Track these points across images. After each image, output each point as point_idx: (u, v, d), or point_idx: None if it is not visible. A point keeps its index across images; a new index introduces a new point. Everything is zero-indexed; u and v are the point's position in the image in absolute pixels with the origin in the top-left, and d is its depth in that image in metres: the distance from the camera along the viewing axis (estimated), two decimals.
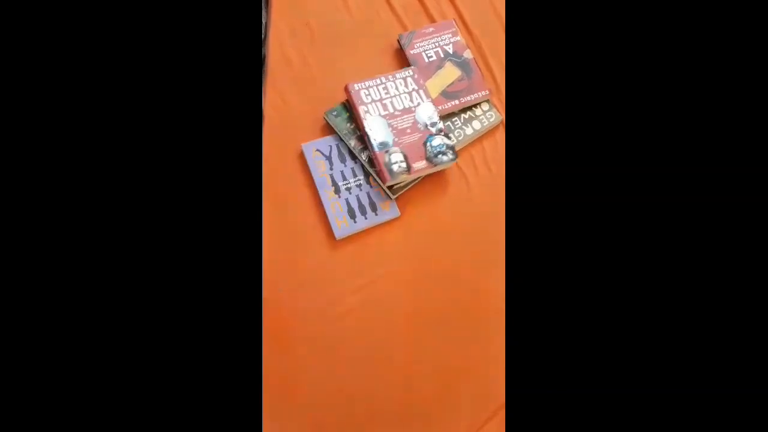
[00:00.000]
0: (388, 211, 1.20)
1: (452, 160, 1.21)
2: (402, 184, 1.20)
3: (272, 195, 1.17)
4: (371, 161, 1.21)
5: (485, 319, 1.13)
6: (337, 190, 1.20)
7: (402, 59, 1.35)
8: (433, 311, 1.14)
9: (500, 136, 1.31)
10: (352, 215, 1.18)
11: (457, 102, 1.30)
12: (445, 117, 1.28)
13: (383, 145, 1.19)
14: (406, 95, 1.25)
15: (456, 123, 1.29)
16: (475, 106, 1.31)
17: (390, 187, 1.19)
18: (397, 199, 1.20)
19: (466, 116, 1.30)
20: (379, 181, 1.20)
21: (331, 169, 1.22)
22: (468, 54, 1.35)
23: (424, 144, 1.21)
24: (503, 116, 1.31)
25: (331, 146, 1.24)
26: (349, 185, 1.21)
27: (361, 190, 1.21)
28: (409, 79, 1.27)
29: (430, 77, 1.31)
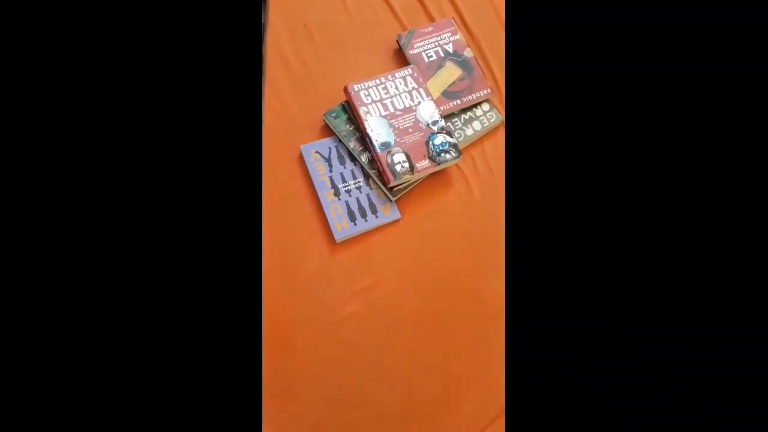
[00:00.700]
0: (389, 213, 1.17)
1: (455, 158, 1.18)
2: (402, 186, 1.17)
3: (271, 197, 1.15)
4: (371, 162, 1.18)
5: (486, 323, 1.11)
6: (337, 193, 1.17)
7: (401, 59, 1.33)
8: (434, 314, 1.12)
9: (501, 137, 1.29)
10: (352, 218, 1.16)
11: (458, 102, 1.27)
12: (446, 117, 1.26)
13: (385, 145, 1.17)
14: (407, 94, 1.23)
15: (456, 124, 1.27)
16: (475, 106, 1.29)
17: (390, 189, 1.16)
18: (397, 201, 1.18)
19: (467, 117, 1.28)
20: (379, 183, 1.17)
21: (331, 171, 1.19)
22: (468, 53, 1.33)
23: (427, 143, 1.18)
24: (504, 117, 1.29)
25: (330, 148, 1.21)
26: (348, 187, 1.18)
27: (361, 192, 1.18)
28: (409, 78, 1.24)
29: (431, 77, 1.29)
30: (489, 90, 1.29)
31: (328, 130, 1.23)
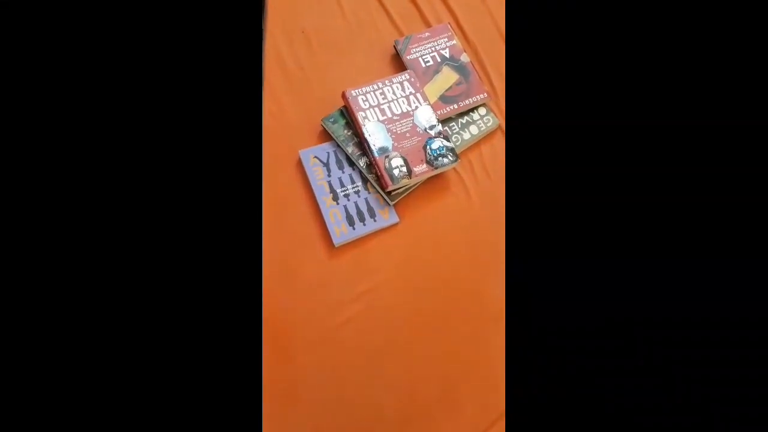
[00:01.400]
0: (387, 217, 1.18)
1: (453, 162, 1.19)
2: (401, 190, 1.18)
3: (270, 202, 1.15)
4: (369, 167, 1.18)
5: (485, 325, 1.11)
6: (336, 197, 1.18)
7: (398, 64, 1.34)
8: (433, 317, 1.12)
9: (498, 141, 1.29)
10: (351, 222, 1.16)
11: (455, 106, 1.28)
12: (443, 122, 1.26)
13: (383, 150, 1.17)
14: (404, 99, 1.23)
15: (453, 128, 1.27)
16: (472, 110, 1.30)
17: (388, 193, 1.17)
18: (395, 205, 1.18)
19: (464, 121, 1.29)
20: (378, 187, 1.17)
21: (329, 175, 1.20)
22: (465, 57, 1.34)
23: (424, 147, 1.19)
24: (501, 121, 1.30)
25: (328, 153, 1.22)
26: (347, 192, 1.18)
27: (359, 196, 1.18)
28: (406, 83, 1.25)
29: (428, 82, 1.30)
30: (485, 94, 1.30)
31: (326, 135, 1.24)
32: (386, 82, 1.24)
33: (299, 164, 1.21)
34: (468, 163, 1.26)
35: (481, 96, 1.30)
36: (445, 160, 1.19)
